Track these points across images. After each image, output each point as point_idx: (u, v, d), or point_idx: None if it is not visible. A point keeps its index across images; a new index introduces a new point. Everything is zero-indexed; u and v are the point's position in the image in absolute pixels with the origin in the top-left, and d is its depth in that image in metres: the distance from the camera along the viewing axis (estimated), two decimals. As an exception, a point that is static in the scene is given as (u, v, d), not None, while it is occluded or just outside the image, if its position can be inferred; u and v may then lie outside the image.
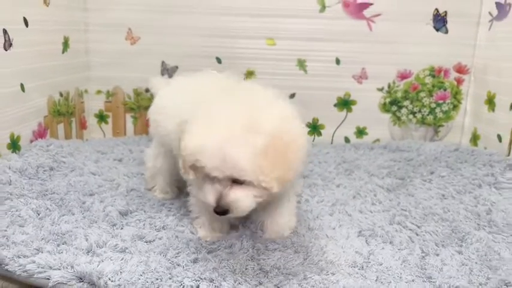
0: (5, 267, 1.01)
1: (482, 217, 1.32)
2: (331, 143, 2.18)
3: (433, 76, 2.11)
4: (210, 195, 1.00)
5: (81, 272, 0.98)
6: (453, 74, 2.10)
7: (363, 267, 1.07)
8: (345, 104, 2.16)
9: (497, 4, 1.91)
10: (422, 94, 2.12)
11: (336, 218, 1.34)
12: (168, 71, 2.16)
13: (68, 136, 2.01)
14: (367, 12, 2.06)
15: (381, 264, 1.08)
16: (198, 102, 1.18)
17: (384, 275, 1.03)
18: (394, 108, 2.15)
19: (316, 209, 1.41)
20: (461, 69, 2.09)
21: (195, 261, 1.06)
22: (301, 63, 2.12)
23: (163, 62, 2.15)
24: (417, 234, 1.24)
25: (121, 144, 2.01)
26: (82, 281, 0.98)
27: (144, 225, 1.25)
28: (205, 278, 0.98)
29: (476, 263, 1.08)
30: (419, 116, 2.15)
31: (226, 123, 0.97)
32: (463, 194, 1.49)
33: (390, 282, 1.00)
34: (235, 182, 0.98)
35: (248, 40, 2.10)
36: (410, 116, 2.15)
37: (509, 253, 1.13)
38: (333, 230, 1.26)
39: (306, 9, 2.06)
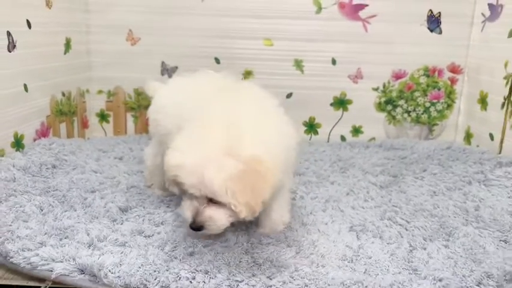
0: (10, 259, 1.06)
1: (471, 213, 1.36)
2: (328, 141, 2.23)
3: (428, 76, 2.15)
4: (187, 211, 1.05)
5: (82, 265, 1.03)
6: (447, 74, 2.15)
7: (352, 260, 1.11)
8: (341, 103, 2.20)
9: (490, 5, 1.95)
10: (416, 93, 2.17)
11: (328, 214, 1.38)
12: (167, 71, 2.20)
13: (70, 135, 2.06)
14: (362, 14, 2.10)
15: (370, 258, 1.12)
16: (196, 102, 1.24)
17: (372, 267, 1.08)
18: (389, 107, 2.19)
19: (310, 205, 1.45)
20: (455, 69, 2.14)
21: (191, 254, 1.10)
22: (298, 64, 2.17)
23: (163, 62, 2.20)
24: (406, 229, 1.28)
25: (122, 143, 2.06)
26: (83, 273, 1.02)
27: (143, 220, 1.30)
28: (200, 270, 1.03)
29: (461, 256, 1.12)
30: (413, 115, 2.20)
31: (207, 143, 1.01)
32: (453, 190, 1.54)
33: (378, 274, 1.05)
34: (212, 201, 1.03)
35: (246, 41, 2.14)
36: (405, 115, 2.20)
37: (494, 247, 1.17)
38: (325, 225, 1.31)
39: (303, 10, 2.10)
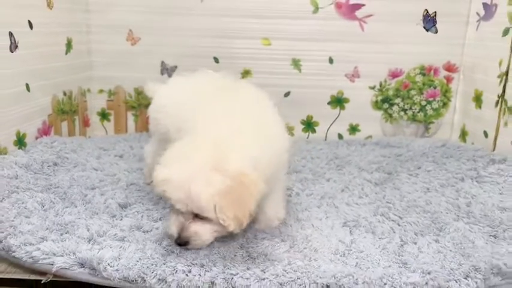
0: (12, 254, 1.09)
1: (462, 209, 1.39)
2: (325, 139, 2.26)
3: (424, 74, 2.18)
4: (173, 226, 1.09)
5: (82, 258, 1.06)
6: (443, 73, 2.17)
7: (344, 254, 1.14)
8: (338, 101, 2.23)
9: (484, 4, 1.97)
10: (413, 92, 2.20)
11: (323, 210, 1.41)
12: (167, 70, 2.24)
13: (71, 133, 2.10)
14: (359, 13, 2.13)
15: (362, 252, 1.15)
16: (194, 102, 1.28)
17: (363, 261, 1.11)
18: (386, 105, 2.22)
19: (305, 201, 1.48)
20: (450, 68, 2.16)
21: (187, 249, 1.13)
22: (296, 63, 2.20)
23: (162, 62, 2.23)
24: (399, 225, 1.31)
25: (122, 141, 2.09)
26: (83, 267, 1.06)
27: (142, 216, 1.33)
28: (196, 264, 1.06)
29: (450, 250, 1.15)
30: (410, 113, 2.22)
31: (195, 159, 1.04)
32: (446, 187, 1.56)
33: (368, 267, 1.08)
34: (197, 216, 1.06)
35: (244, 40, 2.17)
36: (402, 113, 2.23)
37: (483, 242, 1.20)
38: (319, 220, 1.34)
39: (300, 10, 2.13)
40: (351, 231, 1.28)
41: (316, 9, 2.13)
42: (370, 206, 1.44)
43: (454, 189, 1.54)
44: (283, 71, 2.20)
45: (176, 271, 1.03)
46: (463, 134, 2.12)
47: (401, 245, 1.19)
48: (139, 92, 2.26)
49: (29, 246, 1.10)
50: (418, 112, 2.22)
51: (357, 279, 1.02)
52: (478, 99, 1.99)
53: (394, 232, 1.27)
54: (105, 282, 1.03)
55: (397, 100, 2.21)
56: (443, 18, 2.11)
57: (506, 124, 1.77)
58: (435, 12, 2.10)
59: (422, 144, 2.01)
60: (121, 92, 2.28)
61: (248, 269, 1.05)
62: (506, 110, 1.77)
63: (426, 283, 1.01)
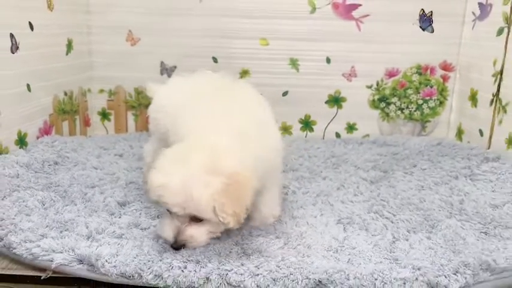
0: (13, 250, 1.12)
1: (455, 206, 1.41)
2: (323, 138, 2.28)
3: (420, 74, 2.20)
4: (168, 231, 1.11)
5: (81, 255, 1.09)
6: (439, 72, 2.19)
7: (337, 251, 1.17)
8: (335, 101, 2.25)
9: (480, 4, 1.99)
10: (409, 91, 2.22)
11: (318, 208, 1.44)
12: (167, 70, 2.26)
13: (72, 133, 2.13)
14: (355, 13, 2.15)
15: (354, 248, 1.18)
16: (193, 102, 1.31)
17: (355, 257, 1.13)
18: (383, 104, 2.24)
19: (301, 199, 1.51)
20: (446, 67, 2.18)
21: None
22: (294, 62, 2.22)
23: (162, 62, 2.26)
24: (392, 222, 1.33)
25: (122, 141, 2.12)
26: (82, 263, 1.08)
27: (140, 214, 1.36)
28: (192, 260, 1.08)
29: (441, 247, 1.18)
30: (406, 112, 2.25)
31: (190, 163, 1.07)
32: (440, 185, 1.59)
33: (360, 263, 1.10)
34: (193, 219, 1.09)
35: (243, 40, 2.20)
36: (398, 112, 2.25)
37: (474, 238, 1.22)
38: (314, 218, 1.36)
39: (298, 10, 2.16)
40: (344, 228, 1.30)
41: (314, 9, 2.15)
42: (364, 204, 1.46)
43: (448, 187, 1.56)
44: (281, 71, 2.23)
45: (172, 267, 1.05)
46: (459, 133, 2.14)
47: (393, 242, 1.21)
48: (139, 92, 2.29)
49: (29, 243, 1.13)
50: (415, 111, 2.24)
51: (348, 274, 1.04)
52: (473, 98, 2.02)
53: (387, 229, 1.29)
54: (103, 278, 1.06)
55: (394, 99, 2.23)
56: (440, 17, 2.13)
57: (500, 122, 1.79)
58: (431, 11, 2.12)
59: (418, 142, 2.03)
60: (121, 92, 2.31)
61: (242, 265, 1.08)
62: (500, 108, 1.79)
63: (416, 278, 1.03)
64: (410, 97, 2.22)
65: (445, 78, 2.20)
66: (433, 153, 1.89)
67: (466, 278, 1.04)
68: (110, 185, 1.57)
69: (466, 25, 2.11)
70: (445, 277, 1.04)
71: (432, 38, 2.15)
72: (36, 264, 1.11)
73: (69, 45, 2.07)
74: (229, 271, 1.05)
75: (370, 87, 2.23)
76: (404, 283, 1.02)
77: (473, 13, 2.04)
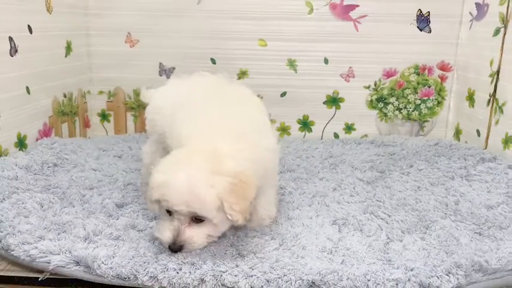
0: (11, 252, 1.13)
1: (450, 207, 1.42)
2: (321, 138, 2.29)
3: (418, 74, 2.20)
4: (167, 232, 1.12)
5: (77, 257, 1.10)
6: (437, 72, 2.20)
7: (331, 252, 1.18)
8: (333, 101, 2.26)
9: (477, 4, 2.00)
10: (407, 91, 2.22)
11: (314, 209, 1.45)
12: (165, 71, 2.28)
13: (72, 134, 2.14)
14: (353, 14, 2.16)
15: (348, 249, 1.18)
16: (191, 104, 1.32)
17: (349, 258, 1.14)
18: (381, 105, 2.25)
19: (297, 200, 1.52)
20: (444, 67, 2.19)
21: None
22: (292, 63, 2.23)
23: (160, 64, 2.27)
24: (387, 223, 1.34)
25: (121, 142, 2.13)
26: (78, 265, 1.10)
27: (137, 216, 1.37)
28: (187, 262, 1.09)
29: (435, 247, 1.18)
30: (404, 112, 2.25)
31: (193, 164, 1.09)
32: (436, 185, 1.59)
33: (353, 264, 1.11)
34: (193, 220, 1.11)
35: (241, 41, 2.21)
36: (397, 112, 2.26)
37: (468, 239, 1.23)
38: (309, 219, 1.37)
39: (295, 11, 2.17)
40: (339, 229, 1.31)
41: (311, 10, 2.16)
42: (360, 205, 1.47)
43: (444, 187, 1.57)
44: (279, 72, 2.24)
45: (167, 269, 1.06)
46: (457, 133, 2.14)
47: (387, 243, 1.22)
48: (138, 93, 2.30)
49: (27, 245, 1.14)
50: (413, 111, 2.25)
51: (341, 275, 1.05)
52: (471, 98, 2.02)
53: (382, 230, 1.30)
54: (99, 280, 1.07)
55: (392, 99, 2.24)
56: (437, 18, 2.14)
57: (497, 123, 1.80)
58: (429, 12, 2.13)
59: (416, 143, 2.04)
60: (120, 93, 2.32)
61: (237, 266, 1.09)
62: (497, 109, 1.80)
63: (408, 279, 1.04)
64: (408, 97, 2.23)
65: (442, 78, 2.21)
66: (430, 153, 1.90)
67: (458, 278, 1.05)
68: (108, 186, 1.58)
69: (463, 25, 2.12)
70: (438, 278, 1.04)
71: (430, 38, 2.16)
72: (33, 266, 1.12)
73: (68, 48, 2.08)
74: (224, 272, 1.06)
75: (368, 87, 2.24)
76: (396, 284, 1.03)
77: (471, 13, 2.05)
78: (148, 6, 2.19)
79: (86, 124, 2.31)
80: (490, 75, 1.85)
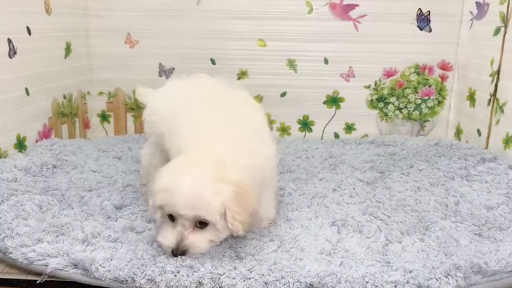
0: (9, 255, 1.13)
1: (450, 208, 1.42)
2: (322, 138, 2.29)
3: (418, 73, 2.20)
4: (170, 237, 1.11)
5: (75, 259, 1.10)
6: (437, 71, 2.19)
7: (330, 254, 1.17)
8: (333, 101, 2.26)
9: (477, 3, 1.99)
10: (408, 91, 2.22)
11: (313, 210, 1.44)
12: (165, 72, 2.28)
13: (71, 135, 2.14)
14: (353, 13, 2.15)
15: (347, 251, 1.18)
16: (189, 108, 1.33)
17: (347, 260, 1.13)
18: (381, 104, 2.24)
19: (296, 201, 1.51)
20: (445, 67, 2.18)
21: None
22: (291, 63, 2.23)
23: (160, 64, 2.27)
24: (386, 224, 1.33)
25: (121, 143, 2.13)
26: (76, 267, 1.09)
27: (136, 217, 1.37)
28: (185, 265, 1.09)
29: (434, 249, 1.18)
30: (405, 111, 2.25)
31: (198, 170, 1.10)
32: (436, 186, 1.59)
33: (352, 266, 1.10)
34: (196, 225, 1.11)
35: (240, 42, 2.21)
36: (397, 112, 2.25)
37: (467, 240, 1.22)
38: (309, 220, 1.37)
39: (295, 11, 2.16)
40: (338, 230, 1.30)
41: (311, 10, 2.16)
42: (359, 206, 1.47)
43: (444, 188, 1.56)
44: (279, 72, 2.23)
45: (165, 272, 1.06)
46: (458, 132, 2.14)
47: (386, 244, 1.21)
48: (138, 94, 2.30)
49: (25, 248, 1.14)
50: (413, 111, 2.24)
51: (339, 278, 1.04)
52: (471, 98, 2.01)
53: (381, 231, 1.29)
54: (96, 283, 1.07)
55: (392, 99, 2.23)
56: (437, 17, 2.13)
57: (498, 123, 1.79)
58: (429, 11, 2.12)
59: (416, 143, 2.03)
60: (120, 94, 2.32)
61: (235, 268, 1.09)
62: (497, 108, 1.79)
63: (407, 281, 1.03)
64: (408, 97, 2.22)
65: (443, 78, 2.20)
66: (430, 153, 1.89)
67: (457, 280, 1.04)
68: (107, 188, 1.58)
69: (463, 24, 2.11)
70: (436, 280, 1.04)
71: (430, 37, 2.15)
72: (32, 269, 1.12)
73: (68, 49, 2.08)
74: (222, 275, 1.06)
75: (368, 87, 2.23)
76: (395, 286, 1.02)
77: (471, 12, 2.04)
78: (148, 7, 2.19)
79: (86, 125, 2.31)
80: (491, 75, 1.85)
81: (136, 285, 1.05)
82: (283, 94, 2.25)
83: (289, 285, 1.03)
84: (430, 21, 2.13)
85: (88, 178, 1.65)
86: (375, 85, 2.22)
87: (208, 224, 1.11)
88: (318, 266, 1.09)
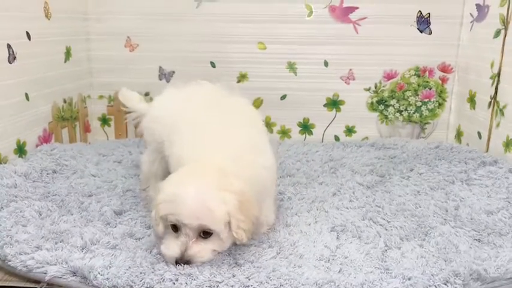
0: (8, 262, 1.14)
1: (450, 212, 1.41)
2: (322, 141, 2.28)
3: (418, 76, 2.19)
4: (174, 246, 1.11)
5: (74, 267, 1.10)
6: (438, 73, 2.19)
7: (328, 260, 1.17)
8: (334, 104, 2.25)
9: (477, 6, 1.98)
10: (408, 93, 2.21)
11: (312, 215, 1.44)
12: (165, 75, 2.28)
13: (72, 139, 2.15)
14: (352, 16, 2.15)
15: (346, 258, 1.18)
16: (189, 117, 1.33)
17: (346, 267, 1.13)
18: (381, 107, 2.24)
19: (296, 206, 1.51)
20: (445, 69, 2.17)
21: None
22: (291, 66, 2.22)
23: (160, 67, 2.27)
24: (386, 229, 1.33)
25: (121, 147, 2.13)
26: (75, 275, 1.10)
27: (135, 223, 1.37)
28: (184, 273, 1.09)
29: (433, 255, 1.17)
30: (405, 114, 2.24)
31: (202, 180, 1.11)
32: (436, 190, 1.58)
33: (351, 273, 1.10)
34: (201, 235, 1.11)
35: (240, 45, 2.21)
36: (397, 114, 2.24)
37: (467, 246, 1.22)
38: (308, 226, 1.36)
39: (295, 14, 2.16)
40: (337, 236, 1.30)
41: (311, 13, 2.15)
42: (359, 210, 1.46)
43: (444, 192, 1.56)
44: (279, 75, 2.23)
45: (163, 280, 1.06)
46: (458, 135, 2.13)
47: (386, 250, 1.21)
48: (138, 97, 2.30)
49: (24, 256, 1.14)
50: (414, 113, 2.23)
51: (338, 285, 1.04)
52: (472, 100, 2.01)
53: (380, 237, 1.29)
54: (95, 290, 1.07)
55: (393, 101, 2.23)
56: (437, 19, 2.12)
57: (498, 125, 1.78)
58: (429, 13, 2.12)
59: (417, 145, 2.03)
60: (120, 97, 2.32)
61: (233, 276, 1.08)
62: (498, 111, 1.78)
63: (406, 289, 1.03)
64: (409, 99, 2.22)
65: (443, 80, 2.19)
66: (430, 156, 1.89)
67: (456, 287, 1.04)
68: (107, 193, 1.58)
69: (463, 26, 2.10)
70: (435, 287, 1.04)
71: (430, 39, 2.15)
72: (30, 276, 1.12)
73: (68, 53, 2.08)
74: (220, 283, 1.06)
75: (368, 89, 2.23)
76: (394, 293, 1.02)
77: (471, 14, 2.03)
78: (148, 11, 2.19)
79: (87, 129, 2.31)
80: (491, 77, 1.84)
81: (135, 293, 1.05)
82: (283, 97, 2.25)
83: (288, 293, 1.03)
84: (430, 23, 2.12)
85: (88, 183, 1.65)
86: (375, 87, 2.22)
87: (212, 233, 1.11)
88: (317, 274, 1.09)
